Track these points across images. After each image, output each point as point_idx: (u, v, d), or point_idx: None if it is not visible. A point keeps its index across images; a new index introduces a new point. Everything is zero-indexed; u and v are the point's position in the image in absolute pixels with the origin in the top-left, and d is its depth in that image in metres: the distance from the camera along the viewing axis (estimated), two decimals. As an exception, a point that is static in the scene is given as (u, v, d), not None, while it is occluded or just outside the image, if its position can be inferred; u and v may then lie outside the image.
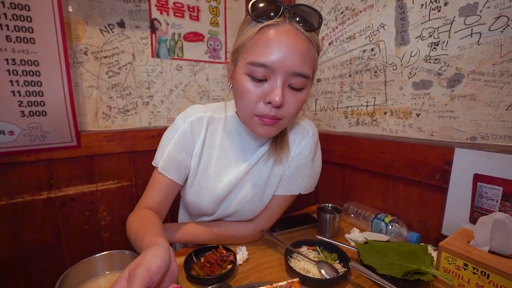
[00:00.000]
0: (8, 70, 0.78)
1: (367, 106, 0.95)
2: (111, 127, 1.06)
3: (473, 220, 0.67)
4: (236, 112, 0.67)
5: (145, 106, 1.13)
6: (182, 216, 0.83)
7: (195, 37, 1.19)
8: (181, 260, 0.61)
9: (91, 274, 0.51)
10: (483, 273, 0.51)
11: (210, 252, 0.64)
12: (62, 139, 0.90)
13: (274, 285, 0.33)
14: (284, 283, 0.32)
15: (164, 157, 0.64)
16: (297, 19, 0.53)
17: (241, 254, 0.65)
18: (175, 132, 0.65)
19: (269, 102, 0.53)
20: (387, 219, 0.78)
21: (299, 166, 0.71)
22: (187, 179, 0.70)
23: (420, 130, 0.80)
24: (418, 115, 0.80)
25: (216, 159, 0.68)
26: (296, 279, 0.32)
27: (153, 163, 0.67)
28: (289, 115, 0.57)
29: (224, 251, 0.64)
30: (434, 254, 0.63)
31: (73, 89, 0.92)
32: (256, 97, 0.54)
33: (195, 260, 0.62)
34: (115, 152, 1.02)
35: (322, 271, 0.59)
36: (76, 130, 0.93)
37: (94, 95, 1.01)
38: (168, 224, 0.73)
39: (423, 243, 0.69)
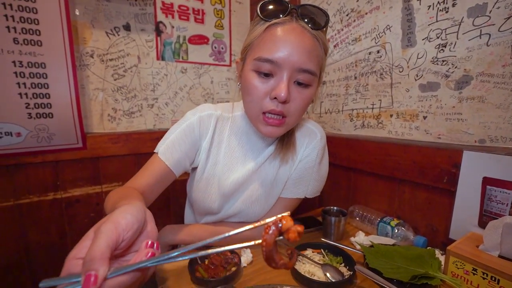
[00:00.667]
0: (15, 73, 0.80)
1: (372, 108, 0.95)
2: (116, 129, 1.07)
3: (482, 224, 0.66)
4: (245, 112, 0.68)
5: (150, 109, 1.14)
6: (188, 216, 0.83)
7: (200, 39, 1.21)
8: (185, 262, 0.61)
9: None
10: (493, 278, 0.50)
11: (215, 254, 0.64)
12: (68, 141, 0.92)
13: (262, 222, 0.28)
14: (272, 218, 0.28)
15: (167, 142, 0.64)
16: (304, 18, 0.54)
17: (246, 256, 0.65)
18: (182, 123, 0.66)
19: (275, 98, 0.54)
20: (393, 223, 0.77)
21: (306, 169, 0.71)
22: (189, 173, 0.69)
23: (427, 133, 0.79)
24: (425, 117, 0.80)
25: (223, 156, 0.68)
26: (286, 213, 0.28)
27: (155, 150, 0.65)
28: (295, 111, 0.57)
29: (229, 253, 0.64)
30: (442, 259, 0.62)
31: (79, 91, 0.93)
32: (262, 92, 0.55)
33: (200, 262, 0.62)
34: (120, 154, 1.04)
35: (328, 274, 0.59)
36: (82, 132, 0.94)
37: (99, 97, 1.02)
38: (172, 226, 0.73)
39: (430, 247, 0.68)
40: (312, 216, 0.93)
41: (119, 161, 1.04)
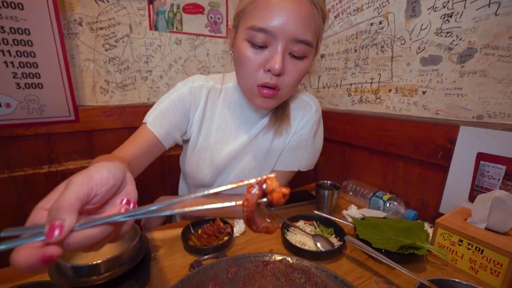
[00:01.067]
0: (-2, 39, 0.75)
1: (371, 83, 0.92)
2: (109, 102, 1.04)
3: (472, 199, 0.66)
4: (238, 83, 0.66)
5: (144, 81, 1.10)
6: (182, 188, 0.84)
7: (194, 9, 1.14)
8: (179, 231, 0.62)
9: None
10: (478, 249, 0.52)
11: (208, 224, 0.65)
12: (60, 113, 0.90)
13: (245, 182, 0.26)
14: (257, 178, 0.26)
15: (155, 113, 0.62)
16: None
17: (238, 227, 0.66)
18: (172, 93, 0.64)
19: (269, 70, 0.52)
20: (385, 197, 0.78)
21: (300, 142, 0.70)
22: (182, 145, 0.68)
23: (425, 108, 0.78)
24: (424, 92, 0.78)
25: (216, 129, 0.67)
26: (272, 174, 0.26)
27: (143, 120, 0.63)
28: (289, 84, 0.55)
29: (221, 224, 0.65)
30: (431, 232, 0.63)
31: (69, 61, 0.89)
32: (256, 64, 0.52)
33: (193, 231, 0.63)
34: (114, 127, 1.02)
35: (318, 244, 0.60)
36: (74, 104, 0.92)
37: (91, 68, 0.99)
38: (166, 197, 0.74)
39: (420, 220, 0.70)
40: (306, 190, 0.94)
41: (113, 134, 1.03)
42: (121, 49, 1.03)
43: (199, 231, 0.63)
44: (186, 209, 0.26)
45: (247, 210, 0.26)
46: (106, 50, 1.00)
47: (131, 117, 1.05)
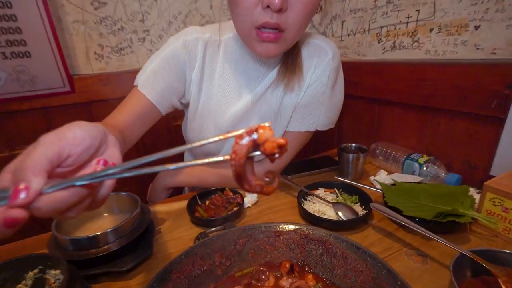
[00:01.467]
0: (-26, 2, 0.74)
1: (407, 23, 0.81)
2: (106, 69, 1.03)
3: (534, 156, 0.59)
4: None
5: (141, 43, 1.07)
6: (187, 158, 0.83)
7: (191, -50, 1.05)
8: (185, 203, 0.62)
9: (90, 216, 0.53)
10: (538, 215, 0.46)
11: (216, 194, 0.64)
12: (53, 84, 0.90)
13: (234, 133, 0.24)
14: (247, 128, 0.23)
15: (146, 73, 0.59)
16: None
17: (250, 196, 0.65)
18: (164, 49, 0.60)
19: (268, 6, 0.46)
20: (421, 160, 0.72)
21: (316, 95, 0.65)
22: (183, 110, 0.66)
23: (477, 48, 0.68)
24: (477, 27, 0.67)
25: (218, 88, 0.63)
26: (266, 123, 0.23)
27: (134, 83, 0.61)
28: (294, 23, 0.49)
29: (231, 193, 0.64)
30: (478, 198, 0.58)
31: (56, 24, 0.87)
32: (252, 1, 0.47)
33: (200, 203, 0.63)
34: (114, 97, 1.01)
35: (339, 213, 0.58)
36: (67, 73, 0.91)
37: (81, 31, 0.96)
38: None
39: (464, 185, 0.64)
40: (328, 156, 0.90)
41: (113, 104, 1.00)
42: (112, 6, 0.99)
43: (207, 202, 0.63)
44: (168, 166, 0.24)
45: (236, 164, 0.23)
46: (96, 9, 0.97)
47: (131, 85, 1.03)
